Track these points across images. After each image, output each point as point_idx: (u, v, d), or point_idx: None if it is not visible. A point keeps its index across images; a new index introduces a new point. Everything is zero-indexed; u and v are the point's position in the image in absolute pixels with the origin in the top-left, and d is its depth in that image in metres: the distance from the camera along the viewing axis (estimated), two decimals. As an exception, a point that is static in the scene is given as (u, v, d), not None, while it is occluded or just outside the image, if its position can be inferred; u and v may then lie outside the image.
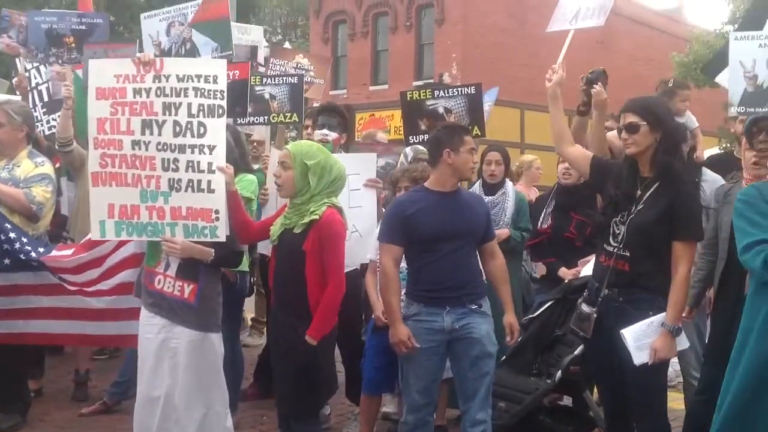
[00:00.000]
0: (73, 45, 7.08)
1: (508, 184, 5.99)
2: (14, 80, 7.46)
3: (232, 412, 4.69)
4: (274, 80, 6.87)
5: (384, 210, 5.26)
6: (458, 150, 4.35)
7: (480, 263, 4.57)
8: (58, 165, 6.12)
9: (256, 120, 6.84)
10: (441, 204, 4.36)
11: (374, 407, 5.23)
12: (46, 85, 7.02)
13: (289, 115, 6.64)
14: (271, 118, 6.78)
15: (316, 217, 4.11)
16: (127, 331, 5.10)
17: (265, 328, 7.12)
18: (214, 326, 4.38)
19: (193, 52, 7.11)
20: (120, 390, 5.78)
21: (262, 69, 8.19)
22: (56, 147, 6.02)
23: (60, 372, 6.72)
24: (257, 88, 6.75)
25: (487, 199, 5.82)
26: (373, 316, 5.00)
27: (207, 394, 4.35)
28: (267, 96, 6.76)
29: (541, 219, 5.77)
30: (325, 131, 5.78)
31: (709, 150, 6.42)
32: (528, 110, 25.19)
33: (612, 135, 4.89)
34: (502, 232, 5.73)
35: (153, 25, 7.36)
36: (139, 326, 4.45)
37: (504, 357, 5.10)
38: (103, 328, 5.26)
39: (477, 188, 6.00)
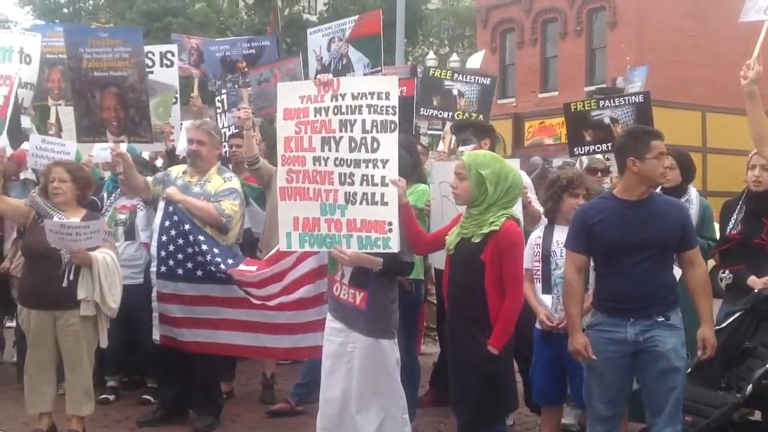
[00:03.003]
0: (246, 69, 7.44)
1: (692, 191, 5.71)
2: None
3: (411, 419, 4.75)
4: (466, 77, 6.82)
5: None
6: (644, 157, 4.13)
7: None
8: None
9: (440, 114, 6.83)
10: (626, 213, 4.18)
11: (556, 417, 5.16)
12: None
13: (475, 114, 6.56)
14: (455, 115, 6.72)
15: (496, 227, 4.16)
16: (303, 344, 5.37)
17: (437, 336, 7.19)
18: (386, 333, 4.46)
19: (348, 68, 7.25)
20: (301, 392, 6.01)
21: None
22: (245, 165, 6.36)
23: (249, 375, 7.10)
24: (446, 83, 6.73)
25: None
26: (538, 324, 4.95)
27: (382, 399, 4.44)
28: (455, 92, 6.71)
29: (730, 225, 5.49)
30: (461, 148, 5.79)
31: None
32: (710, 113, 23.96)
33: None
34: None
35: (317, 40, 7.61)
36: (325, 329, 4.63)
37: (689, 369, 4.89)
38: (279, 341, 5.50)
39: (657, 195, 5.80)
